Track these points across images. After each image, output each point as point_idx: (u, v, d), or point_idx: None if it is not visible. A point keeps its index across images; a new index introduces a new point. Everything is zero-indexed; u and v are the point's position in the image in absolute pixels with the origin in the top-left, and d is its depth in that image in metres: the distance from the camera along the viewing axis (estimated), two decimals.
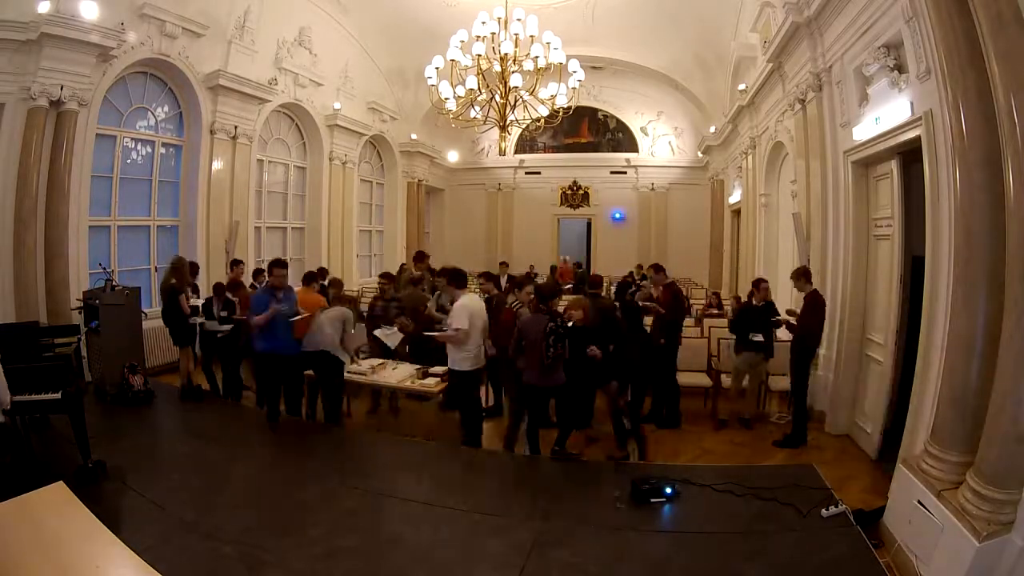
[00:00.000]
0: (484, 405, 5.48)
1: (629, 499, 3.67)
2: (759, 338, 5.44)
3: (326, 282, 6.46)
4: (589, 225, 16.71)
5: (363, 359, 5.69)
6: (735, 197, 11.43)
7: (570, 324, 4.44)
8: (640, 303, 5.46)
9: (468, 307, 4.68)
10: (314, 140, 10.84)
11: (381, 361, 5.69)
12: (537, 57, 5.91)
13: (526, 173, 16.65)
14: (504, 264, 10.30)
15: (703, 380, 5.99)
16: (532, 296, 4.99)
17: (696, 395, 6.19)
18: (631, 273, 11.64)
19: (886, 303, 4.69)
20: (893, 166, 4.53)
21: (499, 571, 2.96)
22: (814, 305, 5.13)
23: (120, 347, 5.74)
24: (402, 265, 8.91)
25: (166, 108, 7.85)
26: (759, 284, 5.80)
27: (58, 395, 3.83)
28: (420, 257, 7.82)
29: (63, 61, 6.00)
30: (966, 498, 2.71)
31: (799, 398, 5.11)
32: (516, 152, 16.37)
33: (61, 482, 2.20)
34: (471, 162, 16.91)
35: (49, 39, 5.83)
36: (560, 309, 4.77)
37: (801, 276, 5.35)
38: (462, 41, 5.96)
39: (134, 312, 6.08)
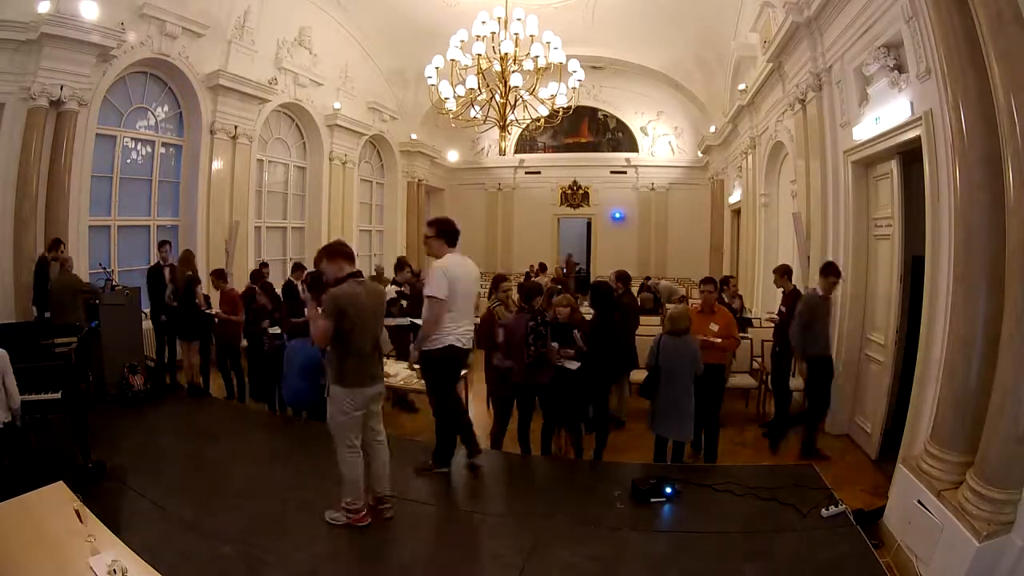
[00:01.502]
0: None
1: (629, 499, 3.67)
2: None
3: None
4: (589, 225, 16.72)
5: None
6: (735, 197, 11.43)
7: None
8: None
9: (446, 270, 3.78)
10: (314, 140, 10.84)
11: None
12: (537, 57, 5.91)
13: (526, 173, 16.65)
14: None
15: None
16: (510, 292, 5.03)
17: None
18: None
19: (886, 303, 4.69)
20: (893, 166, 4.53)
21: (499, 571, 2.96)
22: (796, 303, 5.22)
23: (120, 347, 5.74)
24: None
25: (166, 108, 7.85)
26: (728, 281, 5.81)
27: (58, 395, 3.84)
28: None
29: (63, 61, 5.99)
30: (966, 498, 2.71)
31: (780, 392, 5.26)
32: (516, 152, 16.36)
33: (61, 482, 2.20)
34: (471, 162, 16.91)
35: (49, 39, 5.83)
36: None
37: (784, 274, 5.41)
38: (462, 41, 5.96)
39: (134, 312, 6.08)
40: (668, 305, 6.73)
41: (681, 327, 4.23)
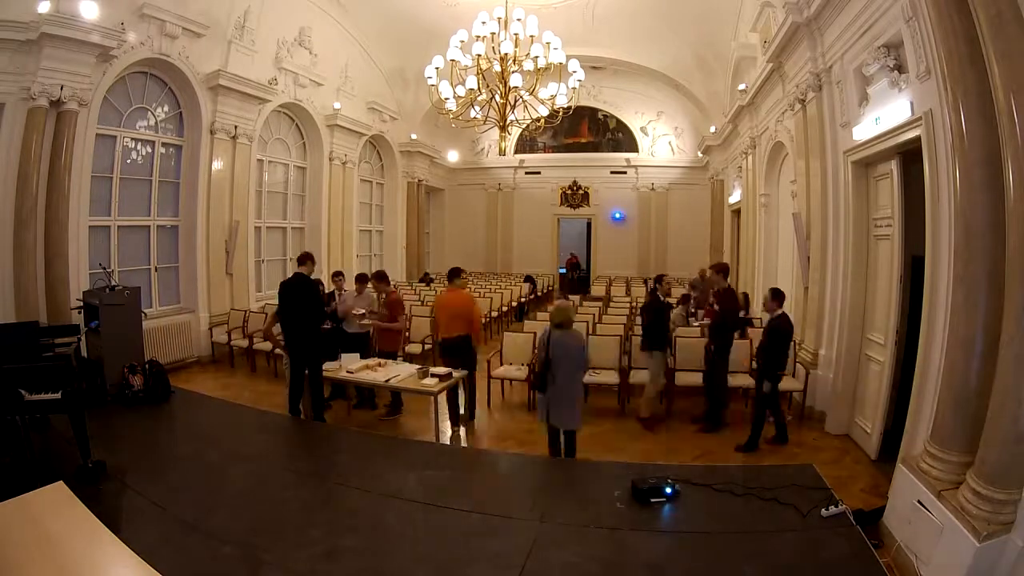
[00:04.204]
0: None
1: (629, 499, 3.67)
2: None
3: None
4: (589, 225, 16.74)
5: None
6: (735, 197, 11.44)
7: None
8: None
9: None
10: (314, 140, 10.84)
11: (380, 360, 5.70)
12: (537, 57, 5.91)
13: (526, 173, 16.67)
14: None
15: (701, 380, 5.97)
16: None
17: (696, 395, 6.19)
18: None
19: (886, 303, 4.69)
20: (893, 166, 4.53)
21: (499, 571, 2.96)
22: (730, 299, 5.56)
23: (120, 347, 5.73)
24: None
25: (166, 108, 7.84)
26: (662, 279, 6.10)
27: (58, 395, 3.84)
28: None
29: (63, 61, 6.00)
30: (966, 498, 2.71)
31: (713, 386, 5.44)
32: (516, 152, 16.39)
33: (61, 482, 2.19)
34: (471, 162, 16.92)
35: (49, 39, 5.83)
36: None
37: (719, 272, 5.69)
38: (462, 41, 5.96)
39: (134, 312, 6.08)
40: None
41: (563, 319, 4.32)
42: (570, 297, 10.94)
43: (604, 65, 12.61)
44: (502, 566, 2.99)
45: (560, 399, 4.27)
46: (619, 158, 16.04)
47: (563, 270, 16.67)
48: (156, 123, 7.73)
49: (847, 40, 5.01)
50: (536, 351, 4.50)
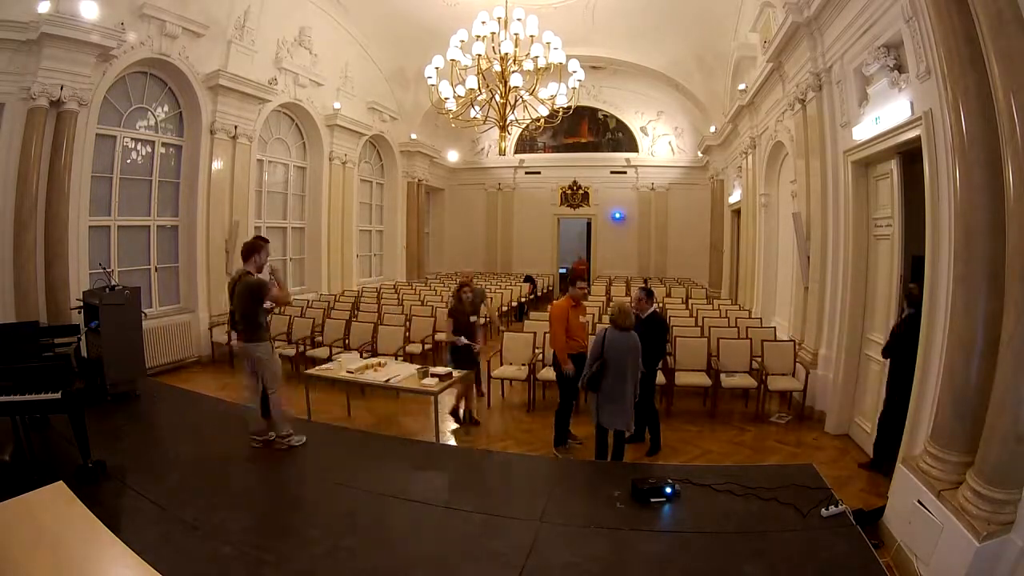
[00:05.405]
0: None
1: (629, 499, 3.67)
2: None
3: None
4: (589, 225, 16.73)
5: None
6: (735, 197, 11.43)
7: None
8: None
9: None
10: (314, 140, 10.84)
11: (381, 360, 5.70)
12: (537, 57, 5.91)
13: (526, 173, 16.66)
14: None
15: (703, 380, 5.98)
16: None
17: (696, 395, 6.20)
18: None
19: (886, 303, 4.69)
20: (893, 166, 4.53)
21: (499, 571, 2.96)
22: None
23: (120, 347, 5.73)
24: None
25: (166, 108, 7.85)
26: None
27: (58, 395, 3.83)
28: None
29: (63, 61, 6.00)
30: (966, 498, 2.71)
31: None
32: (516, 152, 16.38)
33: (61, 482, 2.19)
34: (471, 162, 16.92)
35: (49, 39, 5.84)
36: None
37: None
38: (462, 41, 5.96)
39: (134, 312, 6.08)
40: None
41: (629, 323, 4.28)
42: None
43: (604, 65, 12.61)
44: (502, 566, 2.99)
45: (612, 400, 4.25)
46: (619, 158, 16.03)
47: (563, 270, 16.67)
48: (156, 123, 7.73)
49: (847, 40, 5.01)
50: (591, 351, 4.37)
